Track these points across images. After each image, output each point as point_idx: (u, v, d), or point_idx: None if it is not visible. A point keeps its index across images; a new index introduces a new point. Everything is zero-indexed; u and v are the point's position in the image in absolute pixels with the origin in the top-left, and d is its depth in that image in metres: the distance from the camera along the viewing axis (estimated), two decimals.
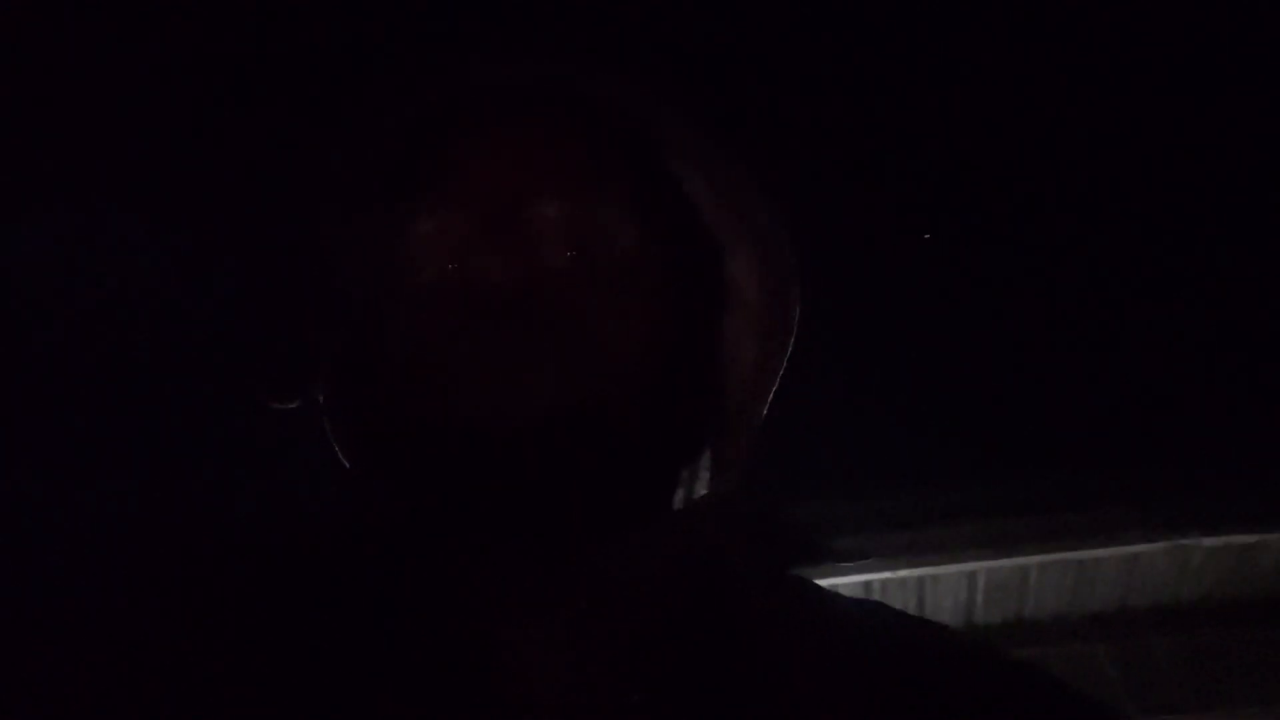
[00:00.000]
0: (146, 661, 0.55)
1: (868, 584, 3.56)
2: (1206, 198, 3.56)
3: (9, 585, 0.59)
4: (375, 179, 0.62)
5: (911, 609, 3.75)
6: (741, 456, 0.64)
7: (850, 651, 0.60)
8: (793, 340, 0.65)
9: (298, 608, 0.58)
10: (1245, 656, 3.62)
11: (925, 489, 3.80)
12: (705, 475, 0.62)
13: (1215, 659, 3.66)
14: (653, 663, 0.57)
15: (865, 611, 0.67)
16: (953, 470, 3.87)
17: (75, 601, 0.60)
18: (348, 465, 0.61)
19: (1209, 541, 3.52)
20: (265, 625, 0.57)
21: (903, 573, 3.53)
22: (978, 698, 0.60)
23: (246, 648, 0.56)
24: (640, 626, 0.58)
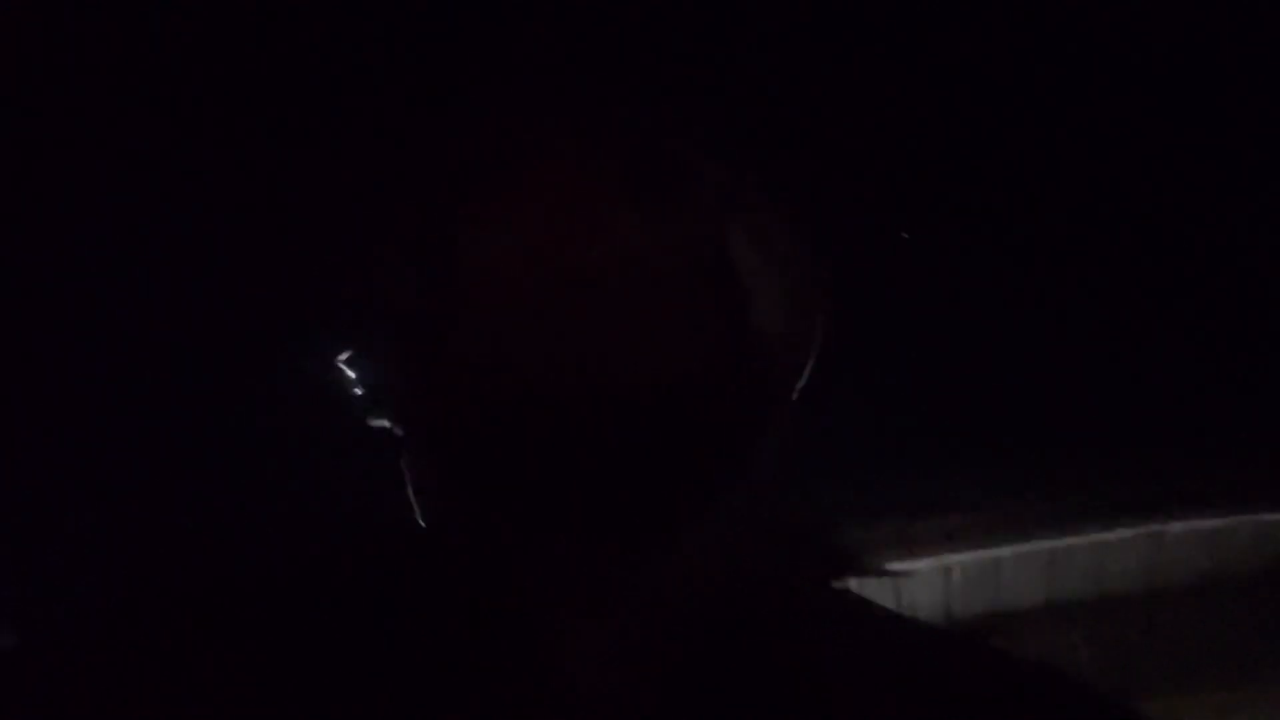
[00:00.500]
0: (172, 665, 0.55)
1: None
2: (1175, 189, 3.58)
3: (9, 585, 0.58)
4: (425, 205, 0.62)
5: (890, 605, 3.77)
6: (765, 470, 0.64)
7: (887, 663, 0.61)
8: (826, 316, 0.66)
9: (338, 607, 0.58)
10: (1218, 639, 3.66)
11: (894, 485, 3.81)
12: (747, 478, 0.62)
13: (1188, 642, 3.69)
14: (696, 671, 0.57)
15: (902, 623, 0.69)
16: (923, 465, 3.88)
17: (83, 598, 0.59)
18: (411, 454, 0.60)
19: (1178, 526, 3.55)
20: (305, 624, 0.57)
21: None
22: (1006, 712, 0.62)
23: (279, 646, 0.56)
24: (684, 635, 0.58)
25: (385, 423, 0.60)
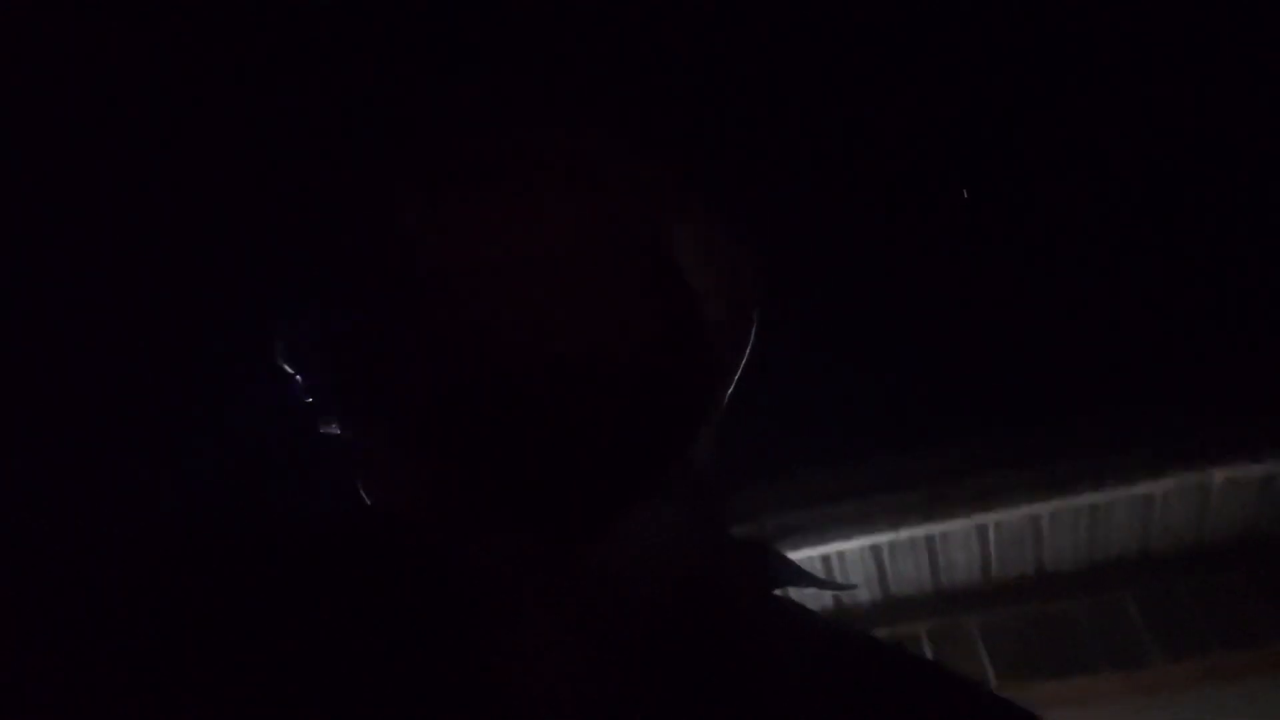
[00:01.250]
0: (145, 664, 0.55)
1: (875, 546, 3.51)
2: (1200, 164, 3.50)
3: (9, 584, 0.59)
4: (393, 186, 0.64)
5: (925, 568, 3.72)
6: (707, 453, 0.67)
7: (824, 661, 0.63)
8: (744, 359, 0.69)
9: (298, 605, 0.58)
10: (1268, 587, 3.55)
11: (927, 447, 3.75)
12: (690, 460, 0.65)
13: (1239, 596, 3.59)
14: (648, 664, 0.58)
15: (835, 627, 0.71)
16: (953, 427, 3.82)
17: (75, 599, 0.59)
18: (378, 444, 0.61)
19: (1222, 475, 3.44)
20: (265, 621, 0.57)
21: (912, 531, 3.48)
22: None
23: (245, 645, 0.56)
24: (636, 629, 0.59)
25: (333, 426, 0.62)
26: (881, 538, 3.47)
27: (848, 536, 3.40)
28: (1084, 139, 3.69)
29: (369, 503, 0.61)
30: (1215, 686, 3.39)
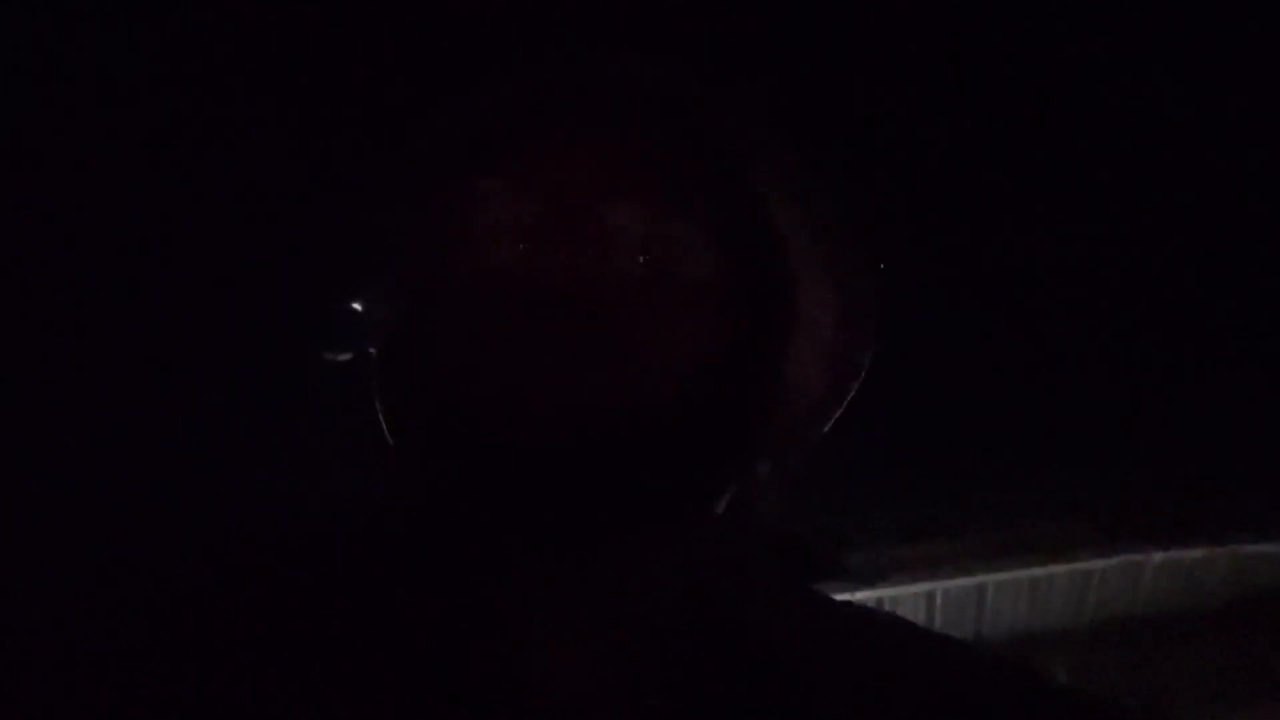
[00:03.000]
0: (150, 662, 0.54)
1: None
2: (1163, 215, 3.63)
3: (15, 584, 0.57)
4: (455, 155, 0.60)
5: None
6: (787, 480, 0.64)
7: (858, 659, 0.61)
8: (861, 376, 0.64)
9: (313, 604, 0.57)
10: (1194, 668, 3.68)
11: (879, 510, 3.82)
12: (748, 493, 0.61)
13: (1165, 671, 3.71)
14: (668, 665, 0.56)
15: (879, 622, 0.67)
16: (908, 490, 3.89)
17: (79, 597, 0.58)
18: (389, 432, 0.59)
19: (1159, 556, 3.58)
20: (281, 622, 0.56)
21: (860, 595, 3.54)
22: (982, 709, 0.61)
23: (263, 645, 0.55)
24: (656, 629, 0.57)
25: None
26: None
27: None
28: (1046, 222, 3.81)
29: (388, 496, 0.60)
30: None
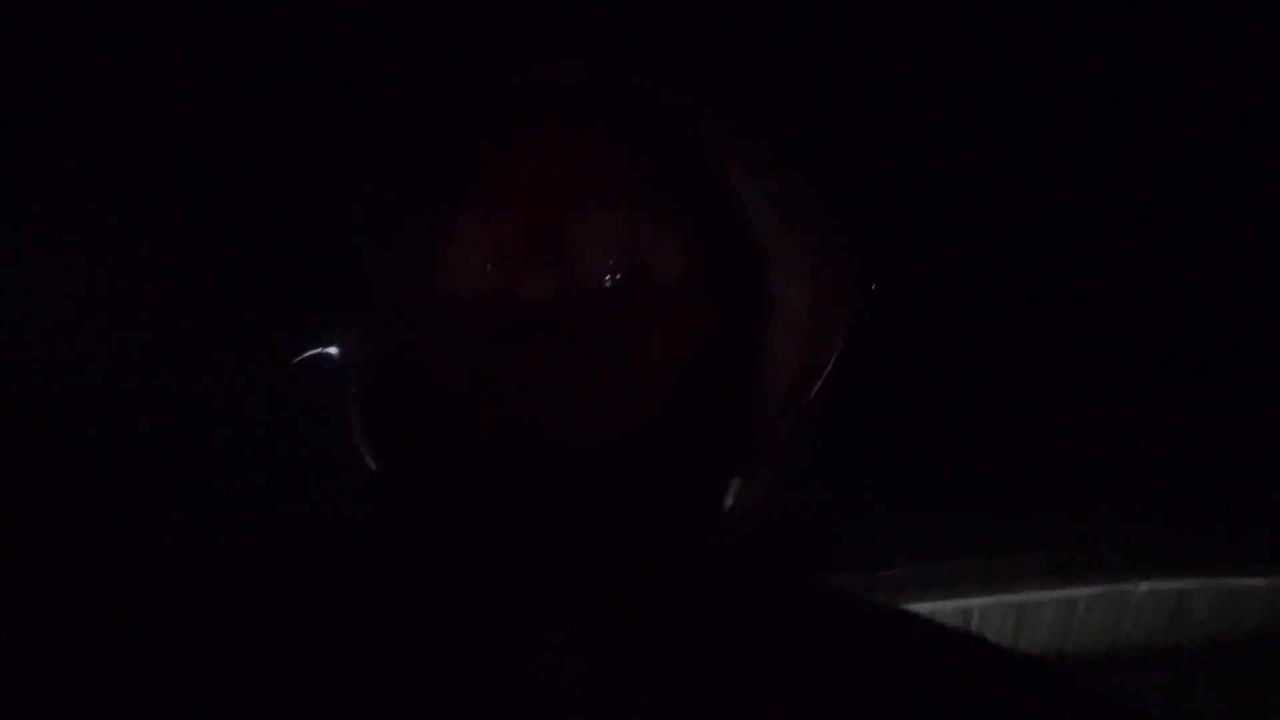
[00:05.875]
0: (151, 668, 0.54)
1: None
2: (1143, 245, 3.66)
3: (23, 587, 0.57)
4: (416, 178, 0.60)
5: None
6: (769, 472, 0.63)
7: (866, 656, 0.60)
8: (834, 358, 0.64)
9: (305, 615, 0.57)
10: (1177, 702, 3.68)
11: (867, 534, 3.81)
12: (733, 492, 0.60)
13: (1150, 703, 3.70)
14: (664, 667, 0.56)
15: (893, 617, 0.66)
16: (894, 514, 3.89)
17: (79, 607, 0.57)
18: (371, 464, 0.58)
19: (1145, 586, 3.59)
20: (272, 634, 0.56)
21: None
22: (993, 705, 0.60)
23: (253, 657, 0.54)
24: (651, 631, 0.57)
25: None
26: None
27: None
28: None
29: (373, 521, 0.60)
30: None
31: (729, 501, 0.60)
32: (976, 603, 3.61)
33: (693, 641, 0.58)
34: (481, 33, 0.61)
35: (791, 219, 0.61)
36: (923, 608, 3.61)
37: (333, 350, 0.61)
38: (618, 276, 0.54)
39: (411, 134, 0.61)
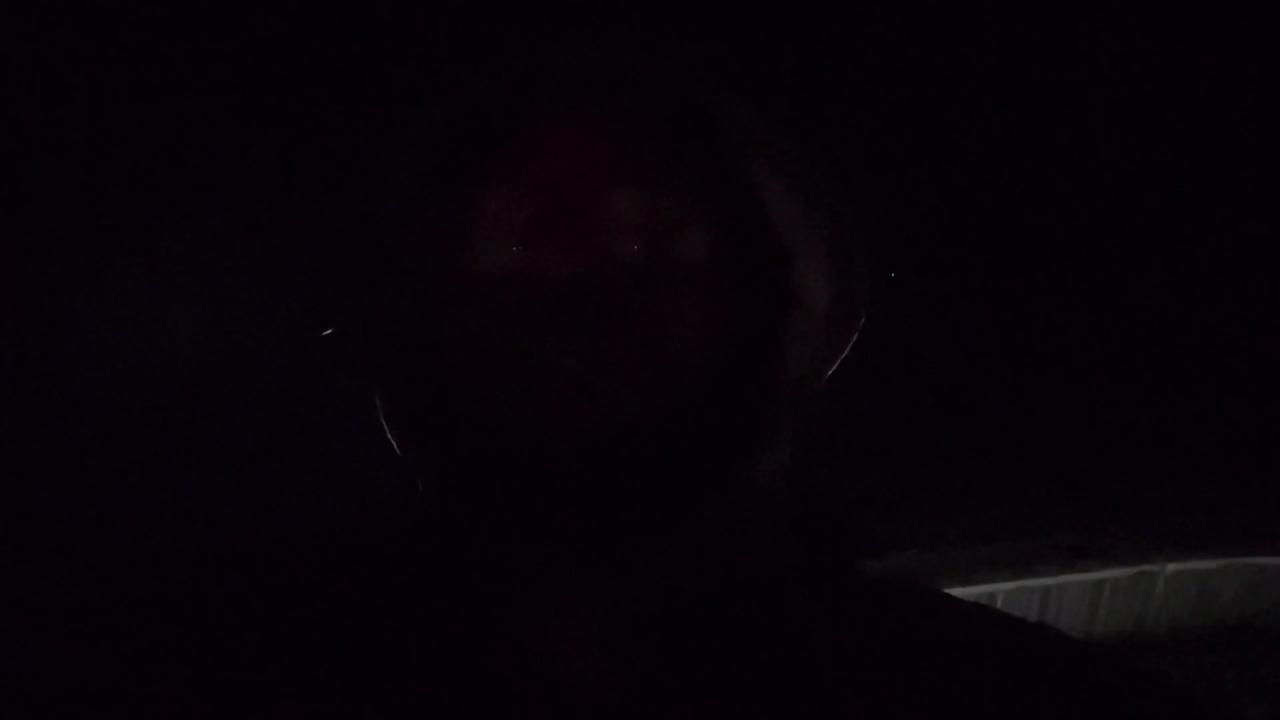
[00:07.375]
0: (174, 660, 0.55)
1: None
2: (1156, 234, 3.65)
3: (35, 584, 0.58)
4: (444, 158, 0.60)
5: None
6: (788, 455, 0.62)
7: (890, 639, 0.59)
8: (850, 345, 0.64)
9: (327, 601, 0.57)
10: (1208, 683, 3.67)
11: (889, 519, 3.82)
12: (755, 472, 0.61)
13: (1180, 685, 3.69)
14: (686, 651, 0.56)
15: (920, 599, 0.65)
16: (918, 500, 3.89)
17: (95, 600, 0.59)
18: (397, 447, 0.59)
19: (1173, 567, 3.58)
20: (295, 620, 0.56)
21: None
22: (1013, 690, 0.59)
23: (275, 643, 0.55)
24: (674, 615, 0.57)
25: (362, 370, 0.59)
26: None
27: None
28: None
29: (399, 502, 0.61)
30: None
31: (748, 484, 0.60)
32: (1002, 587, 3.61)
33: (715, 626, 0.57)
34: (512, 18, 0.60)
35: (815, 209, 0.62)
36: (956, 592, 3.61)
37: (357, 332, 0.61)
38: (640, 251, 0.55)
39: (440, 114, 0.62)
